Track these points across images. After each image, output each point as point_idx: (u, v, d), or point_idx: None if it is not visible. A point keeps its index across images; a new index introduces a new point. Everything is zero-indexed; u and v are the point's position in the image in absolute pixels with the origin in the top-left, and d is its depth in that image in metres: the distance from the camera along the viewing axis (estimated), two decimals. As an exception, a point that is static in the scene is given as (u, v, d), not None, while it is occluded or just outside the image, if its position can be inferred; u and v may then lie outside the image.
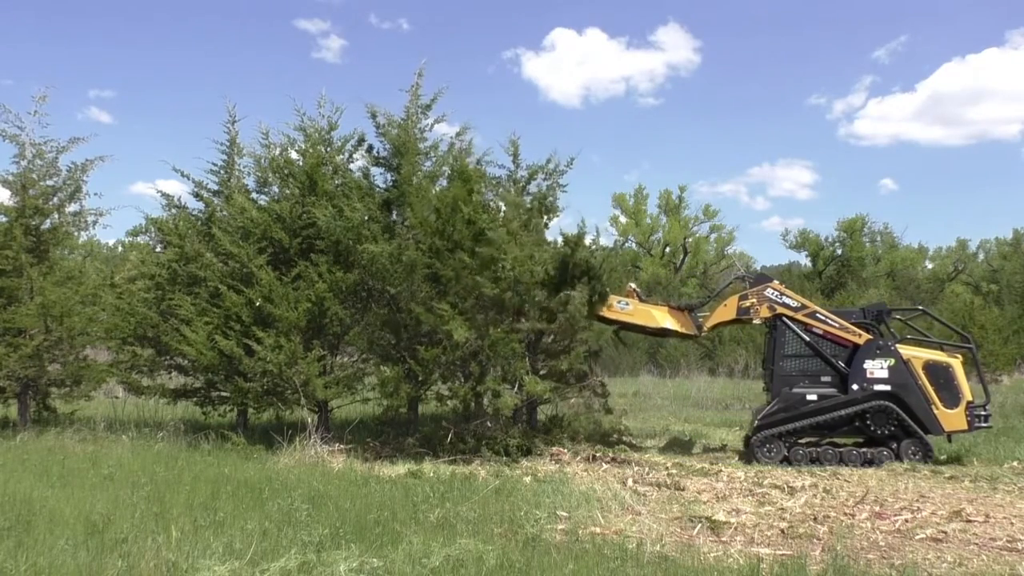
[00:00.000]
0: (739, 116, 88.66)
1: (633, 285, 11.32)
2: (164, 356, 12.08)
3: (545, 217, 11.68)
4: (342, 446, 10.25)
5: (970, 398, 9.78)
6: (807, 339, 10.13)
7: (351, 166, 12.19)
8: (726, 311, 10.61)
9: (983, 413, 9.84)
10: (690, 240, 56.85)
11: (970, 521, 6.69)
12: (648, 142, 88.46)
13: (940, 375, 9.81)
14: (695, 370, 27.10)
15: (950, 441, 10.34)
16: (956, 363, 9.91)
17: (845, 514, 6.96)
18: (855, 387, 9.86)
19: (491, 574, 4.89)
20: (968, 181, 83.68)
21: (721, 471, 9.15)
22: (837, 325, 10.13)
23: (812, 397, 10.01)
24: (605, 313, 10.58)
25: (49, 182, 12.22)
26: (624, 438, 11.41)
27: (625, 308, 10.66)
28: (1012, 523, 6.65)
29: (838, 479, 8.80)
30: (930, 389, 9.76)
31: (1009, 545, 5.96)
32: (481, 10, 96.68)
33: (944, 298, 40.43)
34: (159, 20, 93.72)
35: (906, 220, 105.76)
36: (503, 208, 11.14)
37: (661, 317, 10.75)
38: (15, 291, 11.55)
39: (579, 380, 10.79)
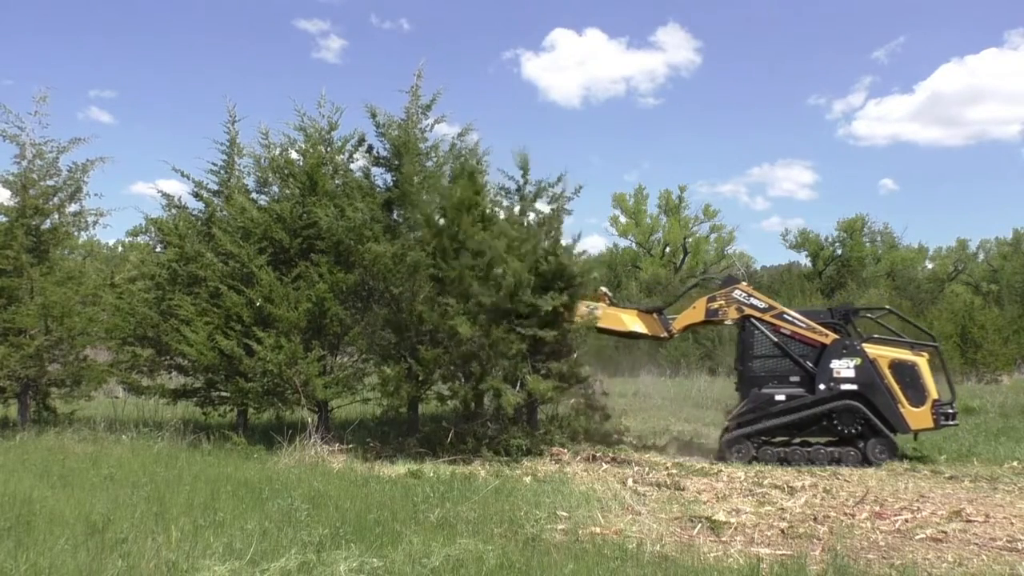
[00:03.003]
0: (739, 116, 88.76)
1: (604, 289, 11.32)
2: (164, 356, 12.07)
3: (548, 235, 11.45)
4: (342, 446, 10.25)
5: (936, 396, 9.83)
6: (775, 339, 10.23)
7: (352, 166, 12.19)
8: (695, 313, 10.69)
9: (949, 411, 9.90)
10: (690, 240, 56.87)
11: (970, 521, 6.69)
12: (648, 142, 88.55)
13: (906, 374, 9.87)
14: (695, 370, 27.11)
15: (916, 439, 10.41)
16: (922, 361, 9.97)
17: (845, 514, 6.96)
18: (822, 387, 9.95)
19: (491, 574, 4.89)
20: (968, 181, 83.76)
21: (721, 471, 9.16)
22: (804, 325, 10.22)
23: (780, 397, 10.11)
24: (576, 319, 10.48)
25: (49, 182, 12.23)
26: (624, 438, 11.42)
27: (594, 312, 10.65)
28: (1012, 523, 6.65)
29: (838, 479, 8.80)
30: (896, 388, 9.82)
31: (1009, 545, 5.96)
32: (481, 10, 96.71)
33: (944, 298, 40.45)
34: (159, 21, 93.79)
35: (906, 220, 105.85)
36: (501, 214, 11.07)
37: (630, 321, 10.78)
38: (15, 291, 11.56)
39: (580, 380, 10.78)
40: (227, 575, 4.79)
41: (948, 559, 5.62)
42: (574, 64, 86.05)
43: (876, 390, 9.81)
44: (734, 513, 6.97)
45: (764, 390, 10.17)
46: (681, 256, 56.88)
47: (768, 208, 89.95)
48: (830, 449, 9.86)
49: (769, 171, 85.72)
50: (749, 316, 10.34)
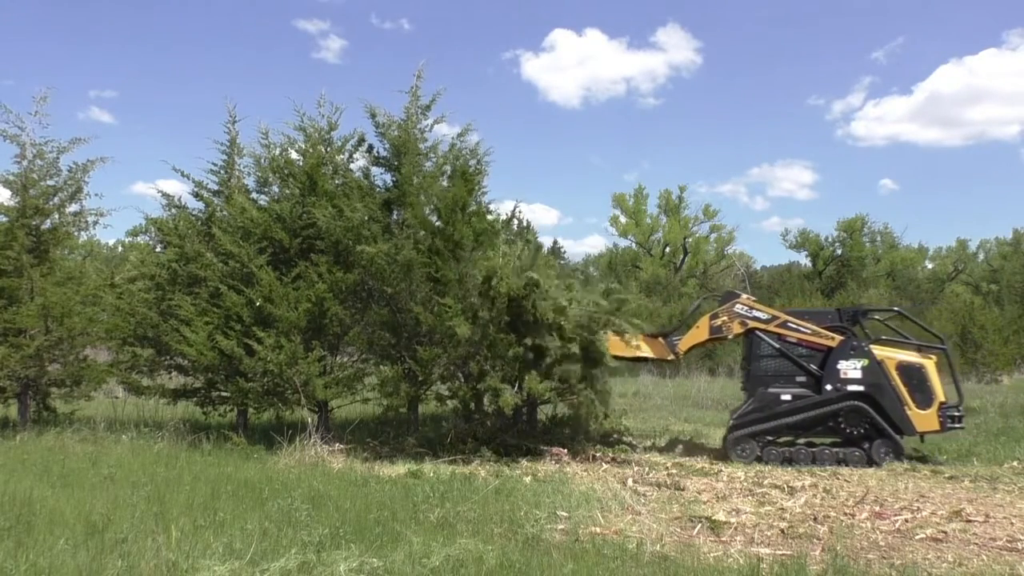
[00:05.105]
0: (739, 116, 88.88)
1: None
2: (164, 356, 12.06)
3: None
4: (342, 446, 10.26)
5: (943, 399, 9.81)
6: (778, 347, 10.25)
7: (351, 166, 12.19)
8: (699, 332, 10.72)
9: (956, 414, 9.87)
10: (690, 240, 56.89)
11: (970, 521, 6.69)
12: (648, 142, 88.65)
13: (913, 376, 9.85)
14: (695, 370, 27.11)
15: (923, 441, 10.39)
16: (929, 364, 9.96)
17: (845, 514, 6.96)
18: (829, 387, 9.95)
19: (491, 574, 4.89)
20: (967, 181, 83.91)
21: (721, 471, 9.16)
22: (810, 331, 10.22)
23: (786, 397, 10.12)
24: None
25: (50, 182, 12.22)
26: (624, 438, 11.42)
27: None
28: (1012, 523, 6.65)
29: (838, 479, 8.80)
30: (903, 389, 9.80)
31: (1009, 545, 5.96)
32: (481, 11, 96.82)
33: (944, 298, 40.41)
34: (160, 21, 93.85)
35: (906, 220, 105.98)
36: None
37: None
38: (16, 291, 11.55)
39: (579, 380, 10.77)
40: (227, 575, 4.79)
41: (948, 559, 5.62)
42: (574, 64, 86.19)
43: (883, 391, 9.78)
44: (734, 513, 6.97)
45: (770, 390, 10.18)
46: (681, 256, 56.89)
47: (768, 208, 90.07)
48: (835, 450, 9.85)
49: (769, 171, 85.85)
50: (754, 329, 10.36)
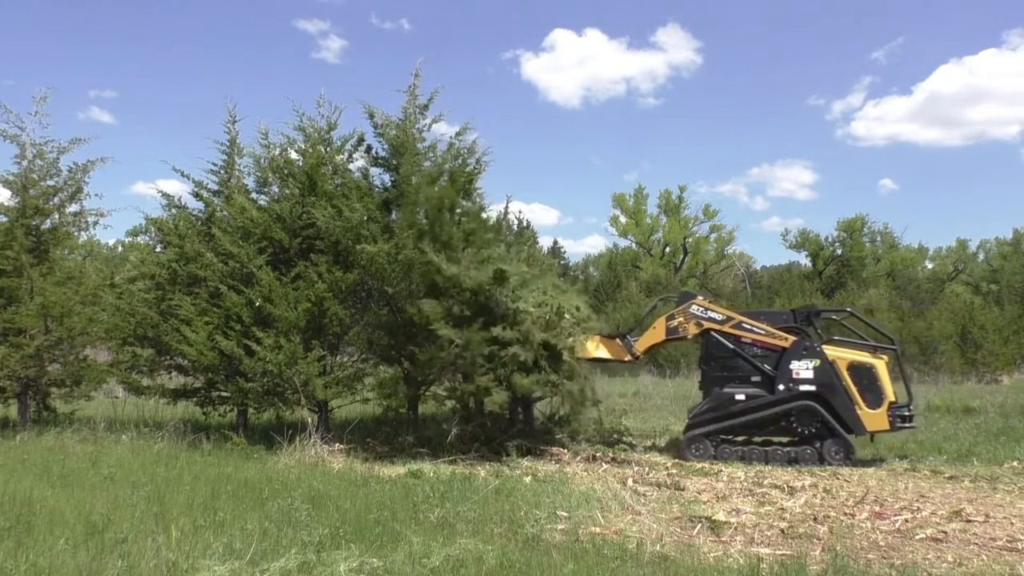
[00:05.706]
0: (739, 116, 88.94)
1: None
2: (164, 356, 12.06)
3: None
4: (342, 446, 10.26)
5: (892, 398, 9.86)
6: (733, 347, 10.35)
7: (351, 166, 12.17)
8: (656, 333, 10.81)
9: (906, 413, 9.95)
10: (690, 240, 56.92)
11: (970, 521, 6.69)
12: (648, 142, 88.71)
13: (864, 375, 9.92)
14: (695, 370, 27.04)
15: (872, 440, 10.48)
16: (880, 364, 10.01)
17: (845, 514, 6.96)
18: (781, 387, 10.04)
19: (491, 574, 4.89)
20: (967, 181, 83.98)
21: (721, 471, 9.16)
22: (764, 332, 10.31)
23: (740, 397, 10.21)
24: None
25: (50, 182, 12.22)
26: (624, 438, 11.42)
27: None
28: (1012, 523, 6.65)
29: (838, 479, 8.80)
30: (854, 389, 9.87)
31: (1009, 545, 5.96)
32: (481, 10, 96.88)
33: (944, 298, 40.40)
34: (160, 21, 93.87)
35: (906, 220, 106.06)
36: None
37: (593, 348, 10.83)
38: (15, 291, 11.55)
39: (569, 377, 10.73)
40: (227, 575, 4.79)
41: (948, 559, 5.62)
42: (574, 64, 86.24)
43: (834, 391, 9.88)
44: (734, 513, 6.97)
45: (725, 390, 10.30)
46: (681, 256, 56.93)
47: (768, 208, 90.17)
48: (787, 449, 9.96)
49: (769, 171, 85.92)
50: (709, 329, 10.48)
